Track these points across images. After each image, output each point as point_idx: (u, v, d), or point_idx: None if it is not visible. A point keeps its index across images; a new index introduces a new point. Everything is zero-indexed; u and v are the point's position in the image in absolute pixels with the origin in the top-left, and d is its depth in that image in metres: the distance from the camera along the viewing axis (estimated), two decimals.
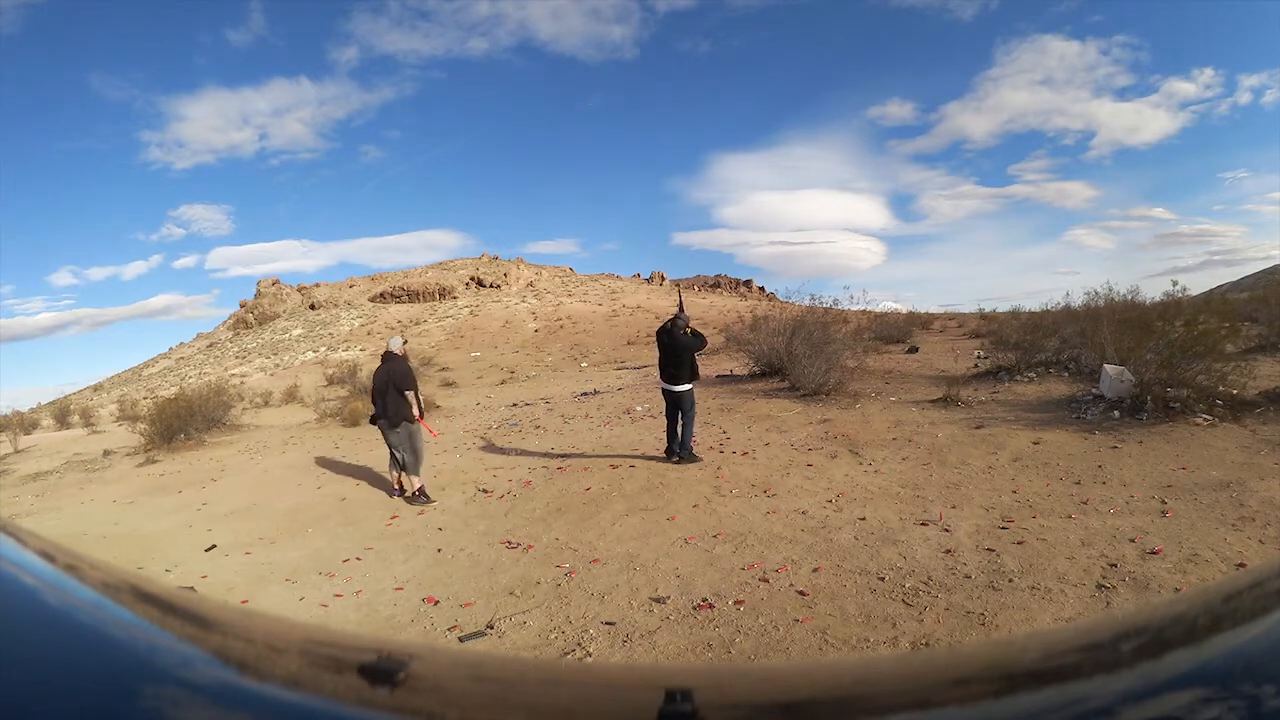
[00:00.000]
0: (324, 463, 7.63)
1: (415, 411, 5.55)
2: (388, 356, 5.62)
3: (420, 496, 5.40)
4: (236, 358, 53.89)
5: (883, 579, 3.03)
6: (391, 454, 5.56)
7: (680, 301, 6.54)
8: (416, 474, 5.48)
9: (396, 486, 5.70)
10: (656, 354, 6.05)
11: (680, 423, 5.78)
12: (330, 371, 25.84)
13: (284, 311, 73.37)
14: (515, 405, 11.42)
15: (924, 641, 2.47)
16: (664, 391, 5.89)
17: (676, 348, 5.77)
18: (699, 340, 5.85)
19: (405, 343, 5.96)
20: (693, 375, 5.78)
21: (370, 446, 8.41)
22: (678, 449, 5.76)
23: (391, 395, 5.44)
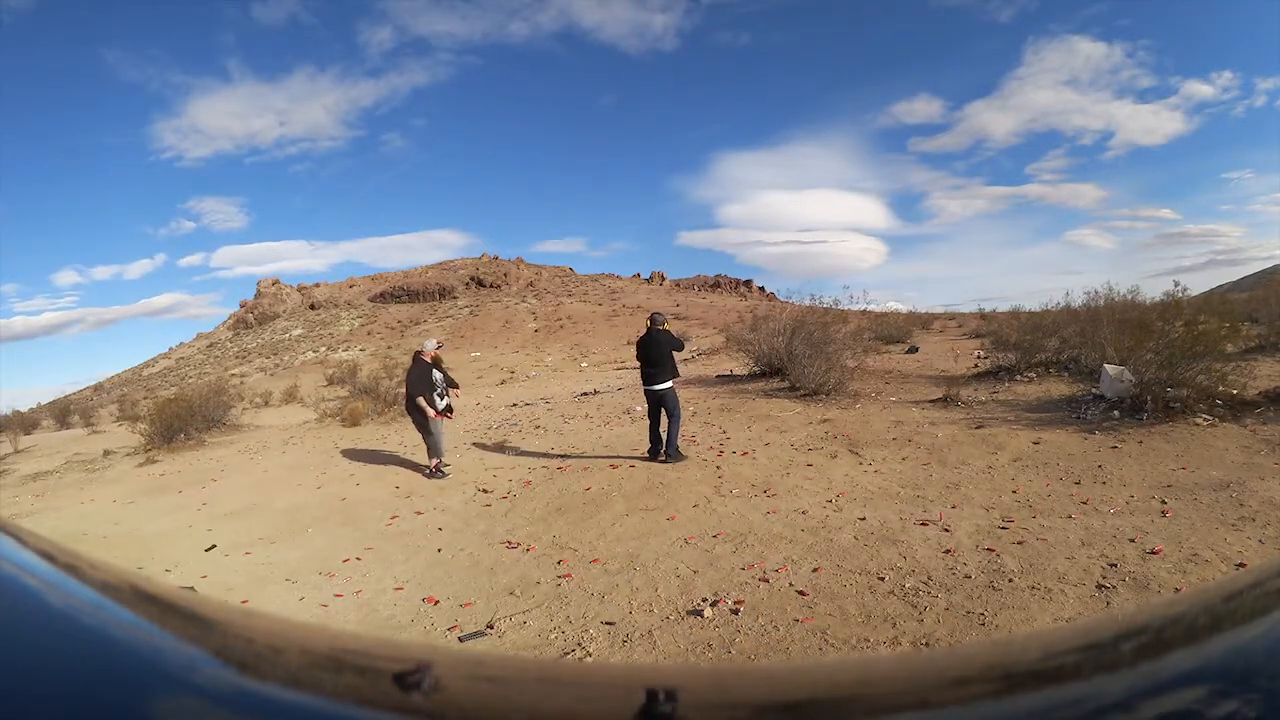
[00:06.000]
0: (324, 463, 7.63)
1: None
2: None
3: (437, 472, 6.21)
4: (236, 358, 53.88)
5: (883, 579, 3.02)
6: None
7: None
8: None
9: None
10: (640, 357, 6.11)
11: (665, 423, 5.84)
12: (330, 371, 25.83)
13: (284, 311, 73.36)
14: (515, 405, 11.42)
15: (924, 641, 2.47)
16: (646, 392, 5.95)
17: (653, 345, 5.84)
18: (676, 342, 5.99)
19: (439, 345, 6.62)
20: (672, 374, 5.86)
21: (370, 446, 8.41)
22: (662, 449, 5.81)
23: None
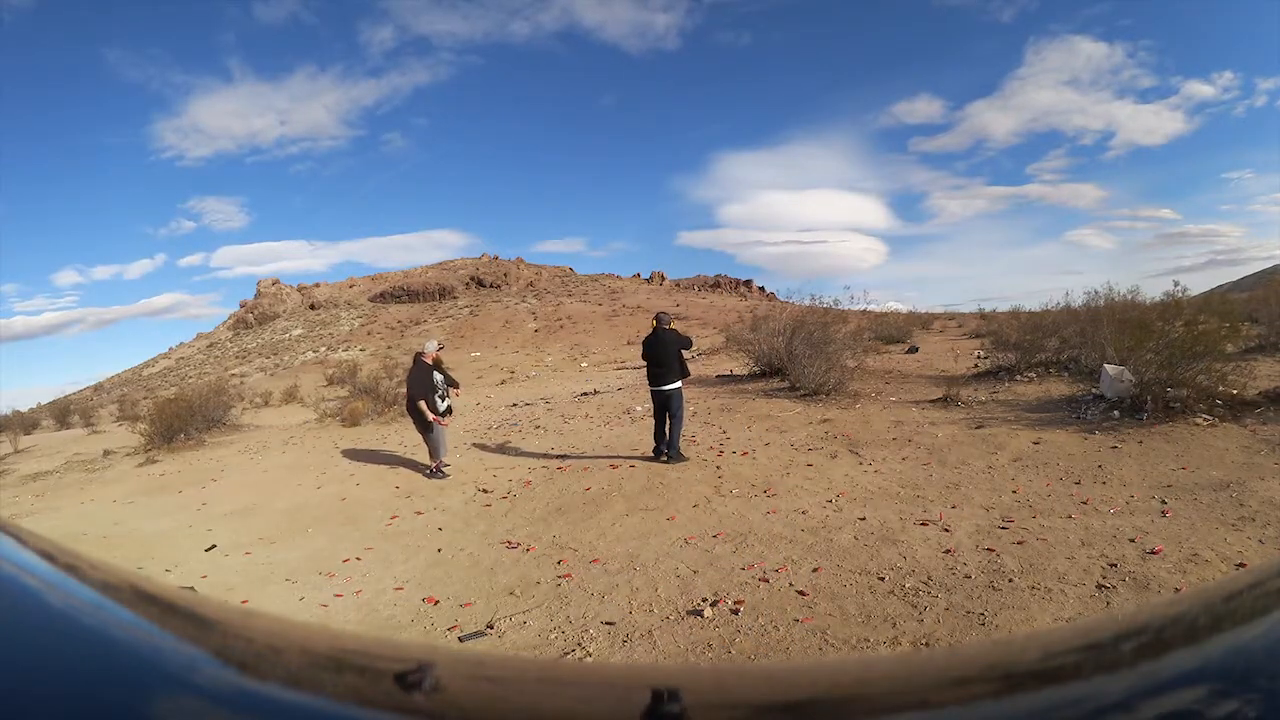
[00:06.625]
0: (324, 463, 7.63)
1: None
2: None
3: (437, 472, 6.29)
4: (236, 358, 53.88)
5: (883, 579, 3.03)
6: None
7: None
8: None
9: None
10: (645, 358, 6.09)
11: (669, 423, 5.83)
12: (330, 371, 25.83)
13: (284, 311, 73.34)
14: (515, 405, 11.42)
15: (924, 641, 2.47)
16: (653, 393, 5.94)
17: (660, 344, 5.82)
18: (684, 340, 5.95)
19: (440, 347, 6.64)
20: (681, 374, 5.84)
21: (370, 446, 8.42)
22: (665, 449, 5.80)
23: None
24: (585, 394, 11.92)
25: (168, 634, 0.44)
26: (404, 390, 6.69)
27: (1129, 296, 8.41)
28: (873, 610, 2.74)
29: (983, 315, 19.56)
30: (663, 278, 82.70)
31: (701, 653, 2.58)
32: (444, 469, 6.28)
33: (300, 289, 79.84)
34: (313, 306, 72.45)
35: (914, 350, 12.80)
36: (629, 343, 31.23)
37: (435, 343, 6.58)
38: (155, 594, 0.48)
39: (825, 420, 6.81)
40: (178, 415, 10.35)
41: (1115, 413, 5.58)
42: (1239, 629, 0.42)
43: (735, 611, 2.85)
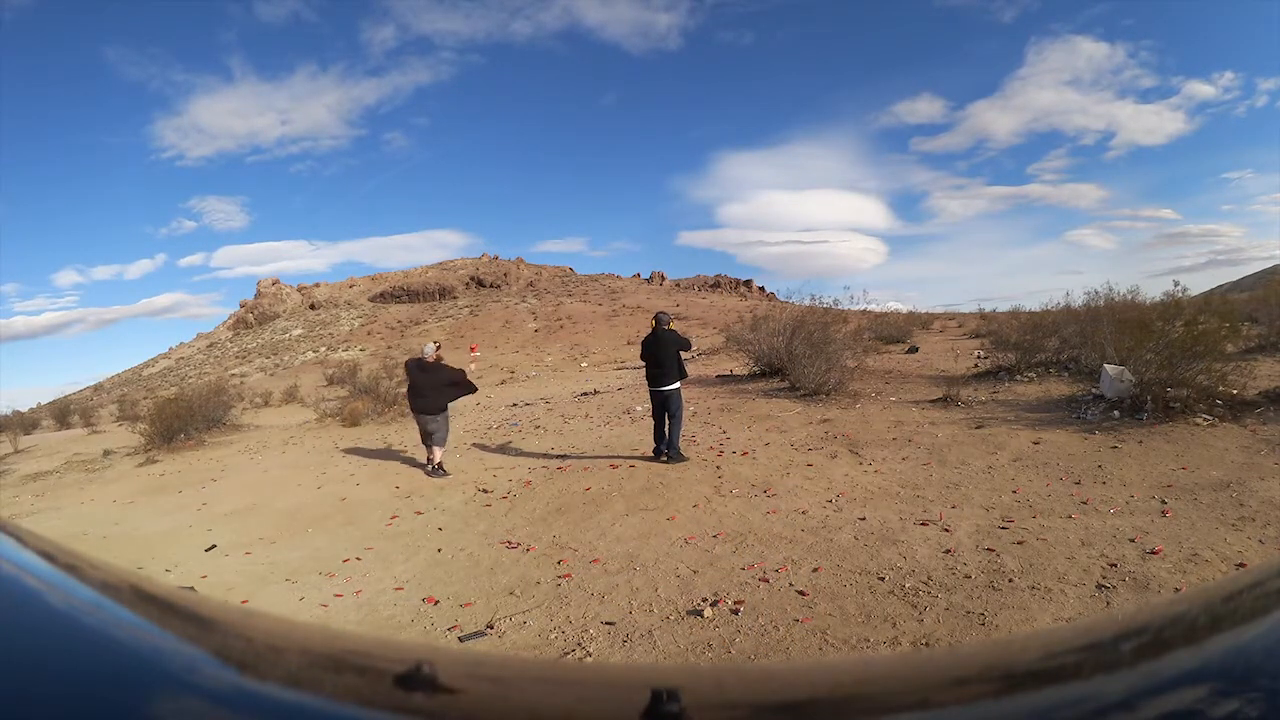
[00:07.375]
0: (323, 463, 7.63)
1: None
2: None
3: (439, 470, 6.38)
4: (236, 358, 53.88)
5: (883, 579, 3.03)
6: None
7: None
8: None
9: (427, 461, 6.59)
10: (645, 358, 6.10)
11: (669, 423, 5.83)
12: (330, 371, 25.84)
13: (284, 311, 73.35)
14: (515, 405, 11.42)
15: (924, 641, 2.47)
16: (652, 393, 5.94)
17: (659, 344, 5.82)
18: (683, 341, 5.97)
19: (438, 347, 6.77)
20: (680, 374, 5.84)
21: (370, 446, 8.42)
22: (665, 448, 5.81)
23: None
24: (585, 394, 11.91)
25: (168, 634, 0.44)
26: (404, 391, 6.76)
27: (1129, 296, 8.42)
28: (873, 610, 2.74)
29: (983, 315, 19.58)
30: (663, 278, 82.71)
31: (701, 653, 2.58)
32: (443, 468, 6.33)
33: (300, 289, 79.82)
34: (313, 306, 72.46)
35: (914, 350, 12.80)
36: (629, 343, 31.21)
37: (433, 345, 6.64)
38: (155, 594, 0.48)
39: (825, 420, 6.81)
40: (178, 415, 10.35)
41: (1115, 413, 5.58)
42: (1239, 629, 0.42)
43: (735, 611, 2.85)
